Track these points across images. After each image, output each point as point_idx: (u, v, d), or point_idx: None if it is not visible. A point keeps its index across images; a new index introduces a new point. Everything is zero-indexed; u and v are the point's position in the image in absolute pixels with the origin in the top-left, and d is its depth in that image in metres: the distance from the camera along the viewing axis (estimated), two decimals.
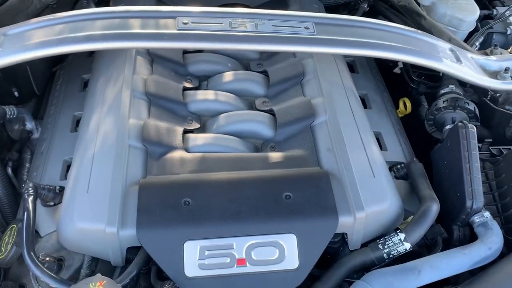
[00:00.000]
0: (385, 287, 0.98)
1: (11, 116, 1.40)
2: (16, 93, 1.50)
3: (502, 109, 1.41)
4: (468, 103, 1.38)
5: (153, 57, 1.36)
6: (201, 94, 1.30)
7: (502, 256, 1.10)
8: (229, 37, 1.17)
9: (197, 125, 1.25)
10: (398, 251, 1.06)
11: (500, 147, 1.33)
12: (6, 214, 1.28)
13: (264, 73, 1.39)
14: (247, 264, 0.97)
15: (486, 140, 1.34)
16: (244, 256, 0.98)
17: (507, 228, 1.18)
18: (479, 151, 1.31)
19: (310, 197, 1.04)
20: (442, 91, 1.45)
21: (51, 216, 1.13)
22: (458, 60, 1.36)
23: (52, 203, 1.15)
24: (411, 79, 1.63)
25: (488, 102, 1.43)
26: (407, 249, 1.06)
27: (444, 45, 1.39)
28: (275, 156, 1.15)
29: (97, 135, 1.15)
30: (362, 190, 1.07)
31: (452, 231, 1.18)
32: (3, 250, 1.09)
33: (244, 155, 1.15)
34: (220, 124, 1.24)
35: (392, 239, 1.07)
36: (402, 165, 1.26)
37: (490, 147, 1.34)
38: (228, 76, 1.36)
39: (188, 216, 0.99)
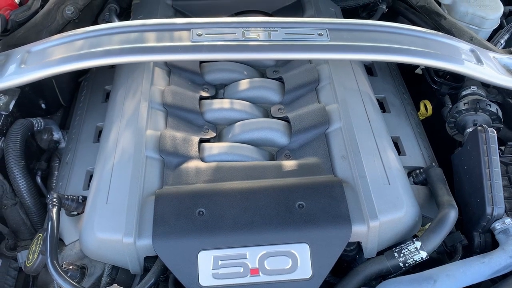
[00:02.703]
0: None
1: (39, 128, 1.46)
2: (43, 105, 1.56)
3: None
4: (490, 105, 1.34)
5: (170, 68, 1.39)
6: (217, 103, 1.32)
7: None
8: (242, 47, 1.19)
9: (213, 134, 1.27)
10: (414, 260, 1.05)
11: None
12: (35, 222, 1.34)
13: (280, 79, 1.40)
14: (260, 274, 0.99)
15: (510, 143, 1.30)
16: (257, 266, 0.99)
17: None
18: (502, 154, 1.29)
19: (323, 206, 1.04)
20: (464, 93, 1.42)
21: (75, 225, 1.18)
22: (479, 61, 1.32)
23: (75, 213, 1.20)
24: (433, 80, 1.59)
25: None
26: (423, 257, 1.04)
27: (465, 46, 1.36)
28: (289, 164, 1.16)
29: (116, 146, 1.18)
30: (377, 198, 1.06)
31: (473, 238, 1.16)
32: (31, 258, 1.15)
33: (258, 163, 1.17)
34: (235, 132, 1.26)
35: (408, 247, 1.05)
36: (421, 170, 1.24)
37: None
38: (243, 84, 1.38)
39: (202, 226, 1.01)
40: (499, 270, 1.03)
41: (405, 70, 1.69)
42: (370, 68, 1.57)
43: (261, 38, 1.21)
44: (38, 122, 1.46)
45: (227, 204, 1.05)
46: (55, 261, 1.03)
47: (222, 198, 1.06)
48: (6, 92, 1.36)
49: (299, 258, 1.00)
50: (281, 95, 1.36)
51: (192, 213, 1.03)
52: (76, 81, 1.65)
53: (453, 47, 1.32)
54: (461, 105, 1.36)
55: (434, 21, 1.52)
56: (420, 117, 1.56)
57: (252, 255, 0.99)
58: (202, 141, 1.24)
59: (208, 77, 1.41)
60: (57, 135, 1.56)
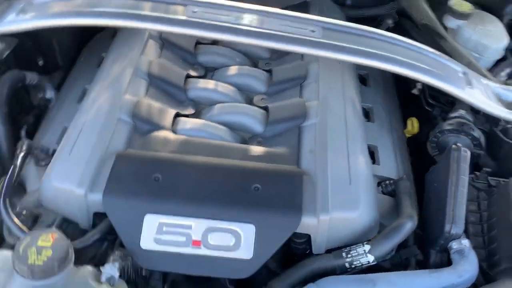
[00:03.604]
0: None
1: (31, 82, 1.49)
2: (40, 62, 1.60)
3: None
4: (473, 130, 1.32)
5: (164, 42, 1.41)
6: (202, 83, 1.34)
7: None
8: (231, 29, 1.20)
9: (192, 111, 1.28)
10: (360, 262, 1.03)
11: (501, 179, 1.26)
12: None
13: (270, 72, 1.41)
14: (202, 247, 0.98)
15: (485, 168, 1.28)
16: (200, 238, 0.99)
17: (491, 262, 1.11)
18: (476, 179, 1.27)
19: (278, 192, 1.04)
20: (451, 115, 1.40)
21: (40, 175, 1.19)
22: (469, 84, 1.31)
23: (43, 163, 1.21)
24: (426, 101, 1.58)
25: (498, 132, 1.37)
26: (370, 261, 1.03)
27: (457, 67, 1.35)
28: (256, 149, 1.16)
29: (93, 105, 1.20)
30: (333, 194, 1.05)
31: (429, 255, 1.13)
32: None
33: (226, 144, 1.17)
34: (213, 113, 1.27)
35: (357, 249, 1.04)
36: (391, 181, 1.23)
37: (490, 177, 1.27)
38: (233, 69, 1.39)
39: (154, 191, 1.02)
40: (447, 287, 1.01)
41: (403, 89, 1.68)
42: (365, 79, 1.57)
43: (253, 24, 1.23)
44: (31, 77, 1.49)
45: (185, 174, 1.05)
46: (6, 200, 1.04)
47: (181, 168, 1.07)
48: (3, 40, 1.40)
49: (243, 238, 0.99)
50: (267, 86, 1.37)
51: (148, 177, 1.04)
52: (77, 47, 1.68)
53: (444, 65, 1.31)
54: (445, 125, 1.35)
55: (434, 41, 1.51)
56: (407, 135, 1.55)
57: (198, 227, 0.99)
58: (179, 115, 1.25)
59: (201, 58, 1.43)
60: (50, 94, 1.59)
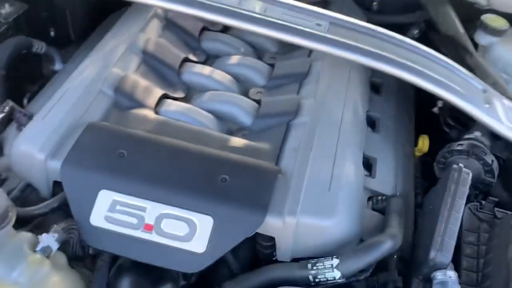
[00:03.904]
0: None
1: (38, 50, 1.48)
2: (52, 33, 1.59)
3: None
4: (486, 154, 1.19)
5: (168, 23, 1.36)
6: (197, 68, 1.28)
7: None
8: (230, 12, 1.14)
9: (182, 95, 1.22)
10: (326, 277, 0.92)
11: (508, 212, 1.12)
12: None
13: (272, 66, 1.33)
14: (153, 232, 0.91)
15: (491, 198, 1.14)
16: (152, 223, 0.91)
17: None
18: (481, 209, 1.13)
19: (247, 187, 0.95)
20: (465, 136, 1.27)
21: None
22: (488, 102, 1.18)
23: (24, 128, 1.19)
24: (445, 122, 1.45)
25: None
26: (336, 278, 0.92)
27: (476, 83, 1.22)
28: (236, 141, 1.08)
29: (79, 75, 1.17)
30: (306, 198, 0.95)
31: (410, 284, 1.01)
32: None
33: (206, 131, 1.10)
34: (203, 99, 1.20)
35: (325, 262, 0.93)
36: (384, 197, 1.11)
37: (497, 209, 1.13)
38: (234, 59, 1.32)
39: (114, 166, 0.96)
40: None
41: (424, 106, 1.56)
42: (378, 87, 1.46)
43: (255, 10, 1.16)
44: (39, 45, 1.48)
45: (152, 155, 0.99)
46: None
47: (149, 147, 1.00)
48: (12, 4, 1.40)
49: (198, 230, 0.91)
50: (267, 80, 1.29)
51: (112, 151, 0.98)
52: (92, 22, 1.67)
53: (460, 78, 1.19)
54: (454, 146, 1.22)
55: (458, 55, 1.38)
56: (417, 153, 1.42)
57: (152, 210, 0.92)
58: (167, 97, 1.19)
59: (205, 44, 1.37)
60: (58, 65, 1.58)
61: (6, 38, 1.41)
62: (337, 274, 0.92)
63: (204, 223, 0.91)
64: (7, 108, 1.18)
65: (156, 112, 1.14)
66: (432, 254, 0.95)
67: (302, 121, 1.12)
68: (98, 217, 0.92)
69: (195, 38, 1.36)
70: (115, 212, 0.92)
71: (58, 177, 0.98)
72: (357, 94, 1.27)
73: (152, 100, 1.15)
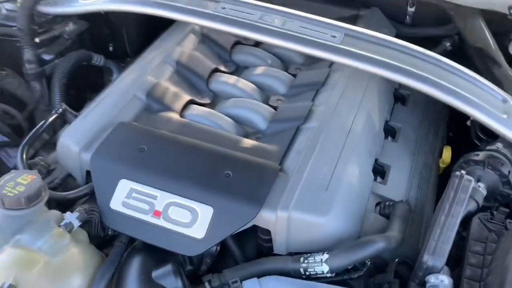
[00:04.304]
0: None
1: (97, 62, 1.69)
2: (110, 48, 1.81)
3: None
4: (503, 165, 1.16)
5: (204, 37, 1.50)
6: (224, 77, 1.40)
7: None
8: (250, 26, 1.24)
9: (208, 101, 1.34)
10: (315, 271, 0.97)
11: None
12: None
13: (295, 76, 1.41)
14: (161, 218, 1.02)
15: (502, 209, 1.11)
16: (161, 210, 1.03)
17: None
18: (491, 219, 1.11)
19: (247, 182, 1.04)
20: (487, 147, 1.25)
21: None
22: (507, 113, 1.16)
23: None
24: (476, 134, 1.43)
25: None
26: (324, 272, 0.97)
27: (497, 94, 1.21)
28: (247, 142, 1.17)
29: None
30: (301, 195, 1.02)
31: (408, 287, 1.02)
32: None
33: (222, 133, 1.20)
34: (226, 105, 1.31)
35: (316, 256, 0.98)
36: (391, 203, 1.14)
37: (508, 220, 1.10)
38: (259, 69, 1.43)
39: (135, 160, 1.09)
40: None
41: (459, 119, 1.54)
42: (404, 98, 1.48)
43: (274, 24, 1.25)
44: (98, 58, 1.70)
45: (168, 150, 1.11)
46: (25, 148, 1.20)
47: (167, 145, 1.13)
48: (76, 22, 1.63)
49: (199, 218, 1.01)
50: (287, 88, 1.37)
51: (135, 146, 1.11)
52: (144, 38, 1.85)
53: (479, 89, 1.19)
54: (471, 156, 1.21)
55: (486, 66, 1.37)
56: (441, 164, 1.41)
57: (162, 198, 1.03)
58: (193, 102, 1.32)
59: (235, 56, 1.49)
60: (116, 76, 1.78)
61: (71, 51, 1.63)
62: (325, 268, 0.96)
63: (205, 212, 1.01)
64: (60, 110, 1.38)
65: (182, 116, 1.26)
66: (425, 257, 0.97)
67: (310, 126, 1.18)
68: (117, 202, 1.05)
69: (226, 51, 1.49)
70: (131, 198, 1.05)
71: (89, 167, 1.13)
72: (374, 104, 1.31)
73: (179, 105, 1.28)
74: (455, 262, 1.07)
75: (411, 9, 1.62)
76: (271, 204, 1.01)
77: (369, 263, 1.03)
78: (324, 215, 1.01)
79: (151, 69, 1.34)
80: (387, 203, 1.15)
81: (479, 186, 1.15)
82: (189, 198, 1.02)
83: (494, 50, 1.38)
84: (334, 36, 1.23)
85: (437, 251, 0.96)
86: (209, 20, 1.27)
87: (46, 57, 1.60)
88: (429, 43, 1.58)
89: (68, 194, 1.13)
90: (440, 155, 1.42)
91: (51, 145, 1.36)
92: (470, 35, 1.42)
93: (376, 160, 1.26)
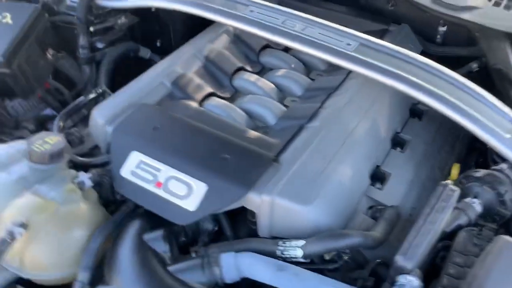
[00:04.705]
0: (243, 265, 1.00)
1: (144, 55, 1.87)
2: (158, 43, 1.98)
3: None
4: (502, 184, 1.16)
5: (235, 38, 1.62)
6: (247, 75, 1.50)
7: None
8: (272, 28, 1.34)
9: (228, 95, 1.45)
10: (289, 254, 1.04)
11: None
12: None
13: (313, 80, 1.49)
14: (161, 188, 1.14)
15: (490, 225, 1.11)
16: (162, 181, 1.14)
17: None
18: (479, 234, 1.12)
19: (242, 167, 1.13)
20: (492, 167, 1.25)
21: None
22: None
23: None
24: (491, 157, 1.42)
25: None
26: (298, 256, 1.03)
27: (505, 114, 1.21)
28: (252, 133, 1.26)
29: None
30: (288, 183, 1.09)
31: (381, 285, 1.06)
32: None
33: (232, 123, 1.30)
34: (243, 100, 1.42)
35: (293, 241, 1.05)
36: (381, 207, 1.18)
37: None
38: (280, 72, 1.52)
39: (147, 136, 1.22)
40: None
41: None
42: (421, 113, 1.50)
43: (295, 29, 1.34)
44: (145, 51, 1.87)
45: (178, 132, 1.23)
46: (63, 117, 1.38)
47: (178, 127, 1.24)
48: (127, 16, 1.81)
49: (194, 192, 1.11)
50: (304, 91, 1.45)
51: (150, 125, 1.24)
52: (189, 34, 2.00)
53: (487, 108, 1.19)
54: (472, 172, 1.22)
55: (504, 88, 1.37)
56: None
57: (165, 171, 1.15)
58: (214, 95, 1.43)
59: (262, 58, 1.60)
60: None
61: (121, 42, 1.82)
62: (299, 253, 1.03)
63: (199, 188, 1.11)
64: (100, 90, 1.55)
65: (200, 105, 1.38)
66: (397, 258, 1.00)
67: (313, 125, 1.26)
68: (127, 170, 1.18)
69: (255, 52, 1.59)
70: (138, 168, 1.18)
71: (110, 139, 1.27)
72: (383, 113, 1.36)
73: (200, 95, 1.40)
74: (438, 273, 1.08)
75: (442, 29, 1.64)
76: (259, 189, 1.09)
77: (346, 257, 1.08)
78: (306, 204, 1.07)
79: (181, 62, 1.48)
80: (379, 207, 1.19)
81: (474, 202, 1.16)
82: (188, 174, 1.13)
83: None
84: (349, 44, 1.29)
85: (409, 252, 0.99)
86: (236, 20, 1.38)
87: (99, 45, 1.79)
88: (458, 63, 1.61)
89: (90, 160, 1.28)
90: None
91: (88, 120, 1.54)
92: (492, 57, 1.43)
93: (378, 166, 1.30)
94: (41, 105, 1.69)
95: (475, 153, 1.52)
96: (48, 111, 1.71)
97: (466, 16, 1.50)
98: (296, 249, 1.03)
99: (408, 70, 1.23)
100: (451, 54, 1.62)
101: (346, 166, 1.18)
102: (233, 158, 1.15)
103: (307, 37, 1.31)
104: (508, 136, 1.16)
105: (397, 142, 1.39)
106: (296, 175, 1.12)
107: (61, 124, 1.37)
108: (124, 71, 1.81)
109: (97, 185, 1.18)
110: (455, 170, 1.40)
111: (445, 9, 1.53)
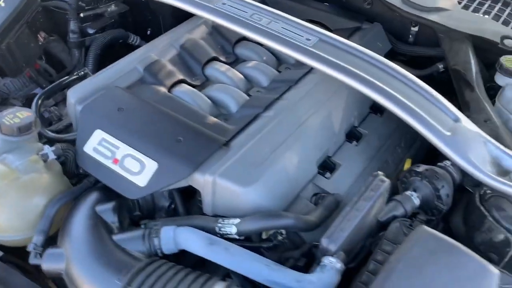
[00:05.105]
0: (180, 238, 1.09)
1: (133, 42, 1.97)
2: (148, 32, 2.07)
3: (483, 211, 1.18)
4: (438, 180, 1.21)
5: (213, 30, 1.70)
6: (218, 65, 1.58)
7: None
8: (236, 20, 1.40)
9: (198, 83, 1.53)
10: (225, 230, 1.12)
11: None
12: None
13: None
14: (117, 164, 1.23)
15: (420, 217, 1.17)
16: (119, 158, 1.23)
17: None
18: (410, 225, 1.18)
19: (192, 148, 1.21)
20: (438, 163, 1.30)
21: None
22: (452, 131, 1.21)
23: None
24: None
25: (476, 197, 1.21)
26: (232, 232, 1.11)
27: (450, 112, 1.25)
28: (211, 120, 1.34)
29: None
30: (232, 165, 1.17)
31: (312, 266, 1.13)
32: None
33: (195, 109, 1.38)
34: (210, 88, 1.50)
35: (230, 219, 1.13)
36: (324, 195, 1.25)
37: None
38: (250, 63, 1.59)
39: (111, 116, 1.31)
40: (278, 285, 1.02)
41: None
42: (382, 110, 1.55)
43: (260, 22, 1.41)
44: (135, 38, 1.97)
45: (140, 114, 1.32)
46: (41, 98, 1.48)
47: (141, 109, 1.33)
48: (117, 4, 1.91)
49: (145, 170, 1.20)
50: (269, 82, 1.52)
51: (116, 106, 1.33)
52: (178, 22, 2.08)
53: (431, 105, 1.24)
54: (414, 167, 1.27)
55: (460, 88, 1.41)
56: None
57: (122, 150, 1.24)
58: (184, 82, 1.52)
59: (237, 49, 1.67)
60: None
61: (111, 29, 1.92)
62: (233, 230, 1.11)
63: (151, 166, 1.20)
64: (82, 73, 1.65)
65: (169, 91, 1.47)
66: (322, 240, 1.07)
67: (267, 115, 1.33)
68: (90, 147, 1.28)
69: (230, 44, 1.67)
70: (100, 145, 1.27)
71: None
72: (340, 107, 1.42)
73: (170, 81, 1.48)
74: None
75: (414, 29, 1.68)
76: (203, 169, 1.17)
77: (281, 237, 1.16)
78: (246, 186, 1.15)
79: (157, 49, 1.57)
80: (322, 194, 1.26)
81: (412, 195, 1.22)
82: (143, 153, 1.22)
83: (473, 74, 1.42)
84: (309, 39, 1.36)
85: (333, 236, 1.06)
86: (206, 12, 1.44)
87: (90, 30, 1.90)
88: (430, 63, 1.65)
89: (61, 136, 1.39)
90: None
91: None
92: (452, 58, 1.46)
93: (329, 157, 1.37)
94: (32, 84, 1.80)
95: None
96: (38, 91, 1.82)
97: (433, 17, 1.54)
98: (231, 227, 1.11)
99: (359, 65, 1.29)
100: (419, 54, 1.67)
101: (293, 154, 1.25)
102: (186, 141, 1.23)
103: (270, 30, 1.38)
104: (448, 133, 1.21)
105: (353, 136, 1.45)
106: (242, 159, 1.19)
107: (39, 102, 1.48)
108: (114, 57, 1.92)
109: (61, 158, 1.28)
110: (407, 165, 1.45)
111: (414, 9, 1.57)
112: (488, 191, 1.20)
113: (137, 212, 1.27)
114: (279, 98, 1.40)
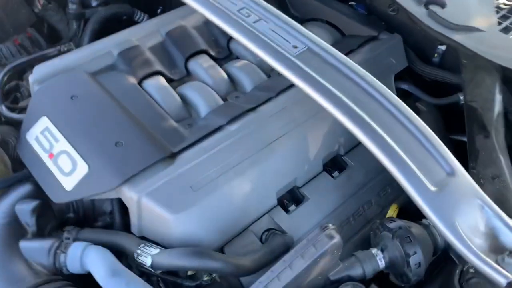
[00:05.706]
0: (87, 259, 0.95)
1: (139, 19, 1.83)
2: (159, 11, 1.92)
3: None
4: (411, 241, 0.99)
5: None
6: (203, 60, 1.40)
7: None
8: (222, 15, 1.23)
9: (176, 77, 1.37)
10: (141, 260, 0.97)
11: None
12: None
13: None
14: (51, 160, 1.11)
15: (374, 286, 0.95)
16: (55, 154, 1.11)
17: None
18: None
19: (129, 156, 1.06)
20: (418, 221, 1.07)
21: None
22: (440, 187, 0.98)
23: None
24: None
25: (455, 274, 0.98)
26: (147, 264, 0.96)
27: (445, 164, 1.01)
28: (169, 124, 1.19)
29: (110, 37, 1.43)
30: (165, 185, 1.01)
31: None
32: None
33: (157, 109, 1.22)
34: (185, 85, 1.33)
35: (152, 248, 0.98)
36: (273, 232, 1.07)
37: None
38: (240, 63, 1.40)
39: (61, 103, 1.17)
40: None
41: None
42: None
43: (246, 20, 1.22)
44: (141, 15, 1.82)
45: (92, 107, 1.17)
46: (11, 69, 1.39)
47: (95, 101, 1.18)
48: None
49: (76, 172, 1.06)
50: (253, 88, 1.33)
51: (69, 93, 1.19)
52: None
53: (424, 151, 1.01)
54: (387, 221, 1.05)
55: (471, 132, 1.14)
56: None
57: (60, 144, 1.10)
58: (161, 74, 1.35)
59: (231, 45, 1.48)
60: None
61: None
62: (148, 261, 0.95)
63: (82, 169, 1.06)
64: (65, 49, 1.54)
65: (139, 83, 1.31)
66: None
67: (230, 128, 1.15)
68: (32, 135, 1.16)
69: (225, 38, 1.48)
70: (42, 135, 1.15)
71: None
72: (321, 130, 1.20)
73: (143, 72, 1.32)
74: None
75: (441, 47, 1.40)
76: (134, 183, 1.02)
77: (208, 278, 0.99)
78: (174, 212, 0.99)
79: (141, 34, 1.41)
80: (276, 232, 1.08)
81: (377, 255, 1.01)
82: (78, 152, 1.08)
83: (492, 116, 1.14)
84: (296, 47, 1.15)
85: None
86: (196, 2, 1.29)
87: (93, 3, 1.78)
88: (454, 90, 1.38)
89: (11, 115, 1.30)
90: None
91: None
92: (471, 91, 1.19)
93: (298, 187, 1.17)
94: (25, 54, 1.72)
95: None
96: None
97: (458, 37, 1.26)
98: (147, 257, 0.96)
99: (342, 86, 1.08)
100: (438, 78, 1.39)
101: (246, 179, 1.07)
102: (127, 145, 1.08)
103: (252, 29, 1.19)
104: (433, 189, 0.98)
105: (335, 165, 1.24)
106: (181, 178, 1.03)
107: (5, 78, 1.39)
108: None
109: (2, 143, 1.18)
110: (391, 212, 1.22)
111: (438, 25, 1.29)
112: (472, 270, 0.96)
113: (71, 214, 1.15)
114: (253, 110, 1.21)
